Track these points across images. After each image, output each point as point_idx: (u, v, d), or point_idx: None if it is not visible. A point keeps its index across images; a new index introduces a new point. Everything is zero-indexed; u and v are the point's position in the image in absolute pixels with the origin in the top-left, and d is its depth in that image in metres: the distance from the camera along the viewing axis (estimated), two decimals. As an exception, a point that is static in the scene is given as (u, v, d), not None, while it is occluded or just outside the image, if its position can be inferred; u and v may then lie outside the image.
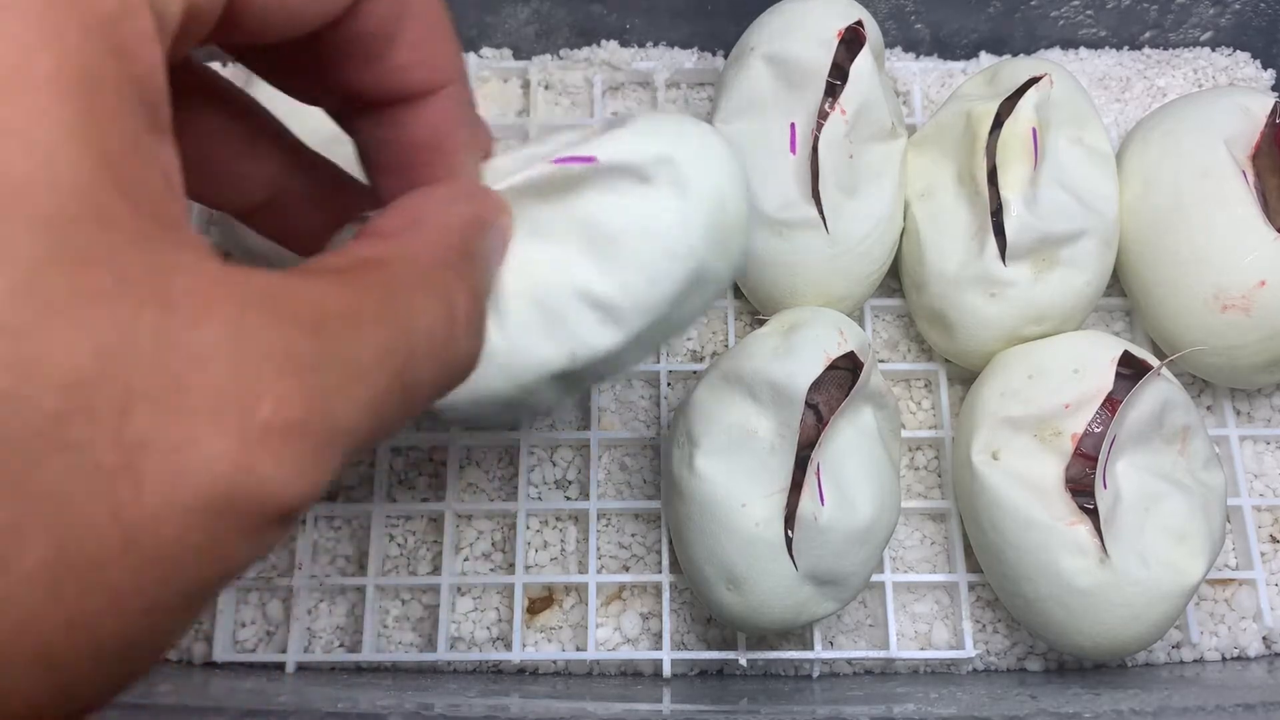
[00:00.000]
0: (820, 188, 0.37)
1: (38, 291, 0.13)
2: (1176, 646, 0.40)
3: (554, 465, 0.41)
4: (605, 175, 0.23)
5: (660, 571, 0.39)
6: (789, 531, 0.33)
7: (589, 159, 0.23)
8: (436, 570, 0.40)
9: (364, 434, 0.17)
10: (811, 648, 0.38)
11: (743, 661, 0.38)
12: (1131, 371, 0.36)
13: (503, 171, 0.24)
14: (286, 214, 0.26)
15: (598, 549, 0.40)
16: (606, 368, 0.24)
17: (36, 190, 0.14)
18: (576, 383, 0.24)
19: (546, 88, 0.47)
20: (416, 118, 0.23)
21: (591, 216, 0.23)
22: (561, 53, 0.47)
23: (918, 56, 0.48)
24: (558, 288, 0.23)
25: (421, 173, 0.24)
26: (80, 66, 0.14)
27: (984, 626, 0.40)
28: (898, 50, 0.48)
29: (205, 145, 0.24)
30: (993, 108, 0.38)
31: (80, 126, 0.14)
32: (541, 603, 0.40)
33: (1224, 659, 0.40)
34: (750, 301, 0.42)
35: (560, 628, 0.40)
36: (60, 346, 0.13)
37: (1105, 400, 0.35)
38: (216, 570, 0.15)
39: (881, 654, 0.38)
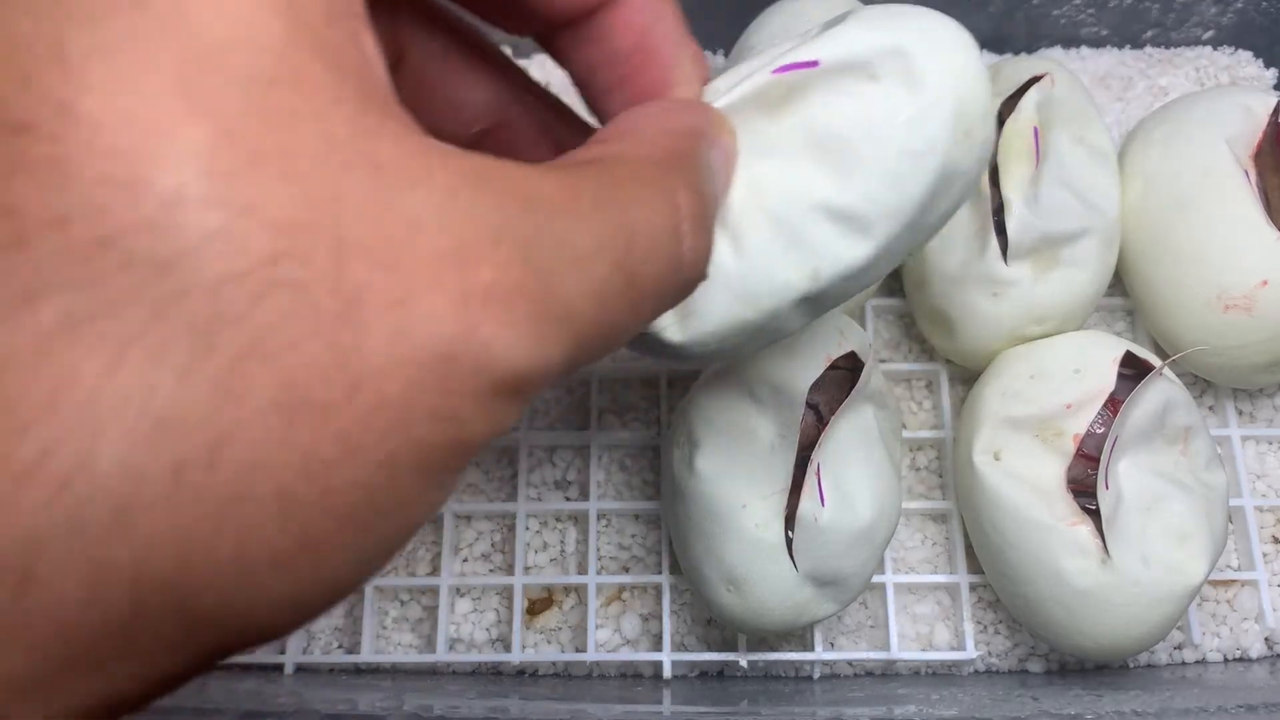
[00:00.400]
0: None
1: (246, 140, 0.13)
2: (1178, 648, 0.40)
3: (553, 466, 0.41)
4: (830, 78, 0.22)
5: (660, 572, 0.39)
6: (789, 532, 0.33)
7: (811, 63, 0.21)
8: (435, 571, 0.40)
9: (590, 321, 0.16)
10: (812, 649, 0.38)
11: (743, 663, 0.38)
12: (1133, 371, 0.36)
13: (720, 91, 0.23)
14: (505, 145, 0.25)
15: (597, 550, 0.40)
16: (853, 284, 0.23)
17: (236, 51, 0.13)
18: (820, 304, 0.23)
19: (548, 86, 0.47)
20: (616, 22, 0.22)
21: (820, 124, 0.21)
22: (561, 52, 0.47)
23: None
24: (794, 204, 0.22)
25: (636, 84, 0.23)
26: None
27: (985, 628, 0.39)
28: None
29: (422, 71, 0.24)
30: (994, 106, 0.38)
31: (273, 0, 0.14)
32: (541, 604, 0.40)
33: (1226, 660, 0.40)
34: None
35: (560, 629, 0.40)
36: (271, 190, 0.13)
37: (1107, 400, 0.35)
38: (449, 433, 0.15)
39: (882, 655, 0.38)
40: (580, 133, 0.25)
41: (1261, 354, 0.38)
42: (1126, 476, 0.35)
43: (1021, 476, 0.35)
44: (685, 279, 0.19)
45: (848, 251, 0.22)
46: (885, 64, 0.21)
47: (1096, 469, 0.34)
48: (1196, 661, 0.40)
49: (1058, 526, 0.34)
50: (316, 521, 0.14)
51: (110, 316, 0.12)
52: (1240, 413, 0.43)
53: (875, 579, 0.39)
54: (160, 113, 0.13)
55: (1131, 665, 0.39)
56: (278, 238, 0.13)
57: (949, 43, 0.21)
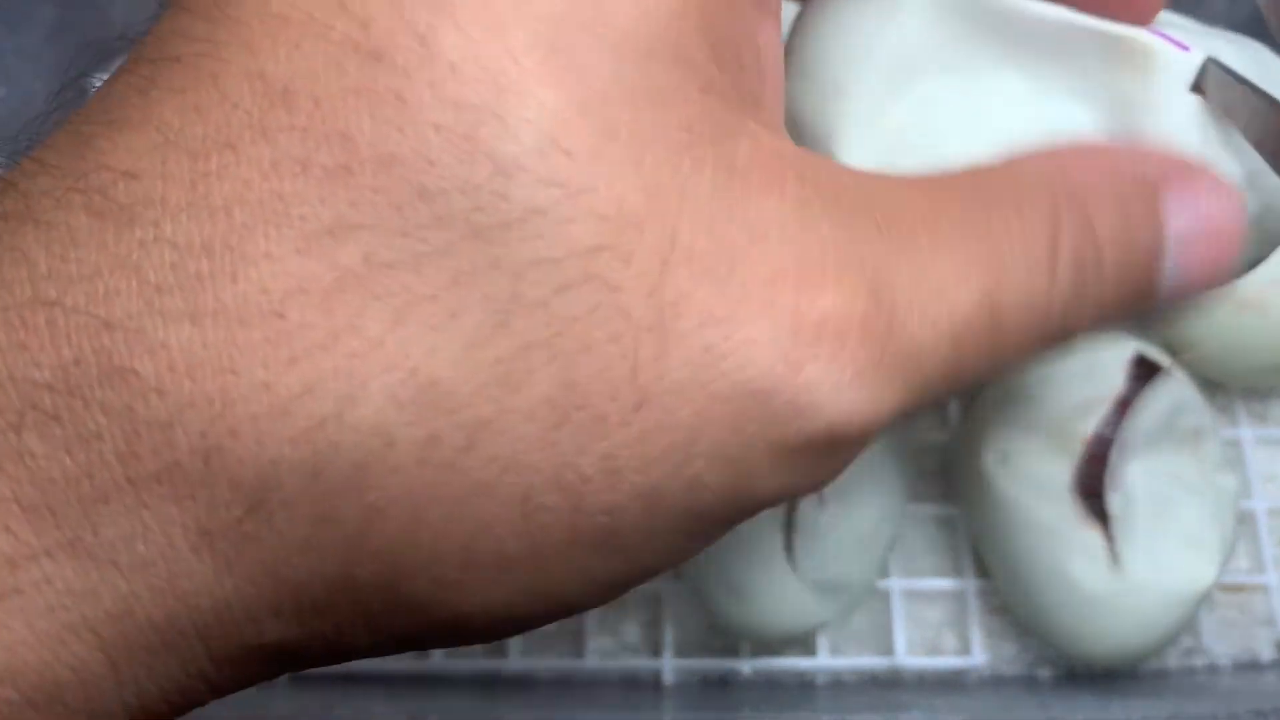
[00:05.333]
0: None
1: (600, 115, 0.12)
2: (1188, 653, 0.39)
3: (552, 468, 0.41)
4: None
5: (660, 578, 0.39)
6: (790, 537, 0.33)
7: None
8: (432, 576, 0.39)
9: (940, 364, 0.14)
10: (815, 655, 0.38)
11: (746, 669, 0.37)
12: (1143, 372, 0.36)
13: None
14: None
15: (597, 554, 0.40)
16: None
17: (622, 14, 0.12)
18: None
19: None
20: None
21: None
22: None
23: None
24: None
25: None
26: None
27: (992, 633, 0.39)
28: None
29: None
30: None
31: None
32: (540, 609, 0.39)
33: (1236, 665, 0.39)
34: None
35: (558, 635, 0.39)
36: (611, 176, 0.12)
37: (1117, 402, 0.35)
38: (729, 482, 0.13)
39: (888, 661, 0.38)
40: None
41: (1274, 354, 0.38)
42: (1136, 479, 0.34)
43: (1030, 479, 0.35)
44: (1048, 334, 0.15)
45: None
46: None
47: (1106, 471, 0.34)
48: (1206, 666, 0.39)
49: (1066, 530, 0.34)
50: (555, 536, 0.13)
51: (411, 270, 0.12)
52: (1252, 415, 0.42)
53: (880, 584, 0.38)
54: (518, 69, 0.12)
55: (1141, 670, 0.39)
56: (603, 229, 0.12)
57: None
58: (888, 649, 0.38)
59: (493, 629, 0.14)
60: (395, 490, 0.12)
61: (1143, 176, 0.16)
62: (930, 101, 0.18)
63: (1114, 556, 0.33)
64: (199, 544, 0.12)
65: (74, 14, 0.45)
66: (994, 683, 0.38)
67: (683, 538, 0.14)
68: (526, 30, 0.12)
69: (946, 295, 0.14)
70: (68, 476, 0.12)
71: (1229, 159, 0.18)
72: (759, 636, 0.35)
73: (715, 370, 0.13)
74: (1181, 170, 0.16)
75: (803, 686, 0.38)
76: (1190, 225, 0.16)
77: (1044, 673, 0.39)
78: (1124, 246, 0.16)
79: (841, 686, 0.38)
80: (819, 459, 0.14)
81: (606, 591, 0.14)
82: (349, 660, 0.14)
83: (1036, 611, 0.35)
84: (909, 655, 0.38)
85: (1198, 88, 0.18)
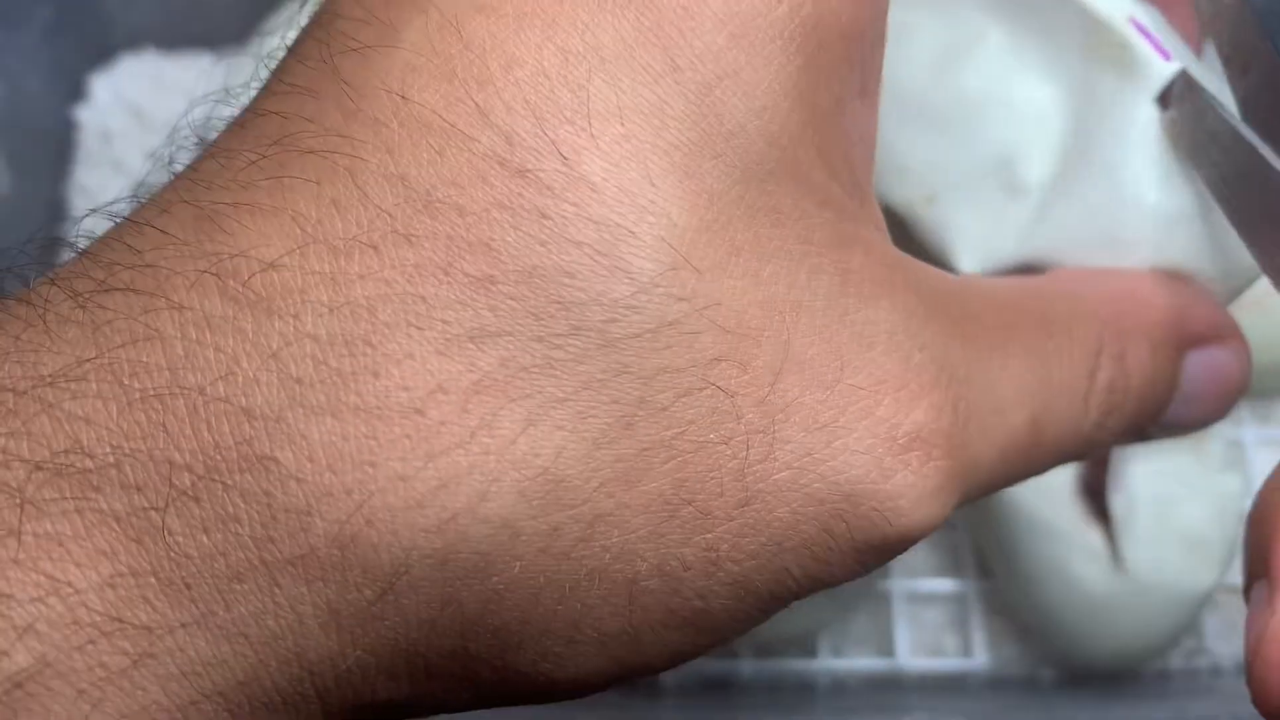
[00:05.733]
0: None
1: (725, 234, 0.13)
2: (1191, 654, 0.39)
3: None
4: None
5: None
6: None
7: None
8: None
9: (986, 475, 0.16)
10: (817, 657, 0.38)
11: (746, 671, 0.37)
12: (1146, 372, 0.35)
13: None
14: None
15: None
16: None
17: (744, 139, 0.13)
18: None
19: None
20: None
21: None
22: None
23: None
24: None
25: None
26: (811, 16, 0.14)
27: (994, 635, 0.39)
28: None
29: None
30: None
31: (799, 81, 0.14)
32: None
33: (1239, 667, 0.39)
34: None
35: (558, 636, 0.39)
36: (734, 291, 0.13)
37: (1119, 402, 0.35)
38: (810, 572, 0.14)
39: (888, 663, 0.38)
40: None
41: (1277, 355, 0.37)
42: (1139, 480, 0.34)
43: (1032, 480, 0.34)
44: (1077, 453, 0.18)
45: None
46: None
47: (1108, 472, 0.34)
48: (1209, 668, 0.39)
49: (1069, 531, 0.33)
50: (652, 616, 0.14)
51: (544, 374, 0.13)
52: (1255, 415, 0.42)
53: (881, 586, 0.38)
54: (654, 192, 0.13)
55: (1143, 672, 0.39)
56: (724, 341, 0.13)
57: None
58: (888, 650, 0.38)
59: (577, 692, 0.15)
60: (515, 578, 0.13)
61: (1175, 326, 0.18)
62: (907, 28, 0.18)
63: (1116, 557, 0.33)
64: (328, 622, 0.13)
65: (73, 13, 0.45)
66: (995, 684, 0.38)
67: (761, 615, 0.15)
68: (663, 158, 0.13)
69: (1005, 416, 0.15)
70: (204, 555, 0.12)
71: (1181, 185, 0.18)
72: (759, 638, 0.35)
73: (814, 474, 0.14)
74: (1209, 329, 0.19)
75: (803, 688, 0.38)
76: (1203, 384, 0.19)
77: (1046, 674, 0.39)
78: (1147, 385, 0.18)
79: (842, 688, 0.38)
80: (882, 557, 0.15)
81: (685, 660, 0.15)
82: (445, 713, 0.15)
83: (1038, 613, 0.35)
84: (910, 657, 0.38)
85: (1164, 99, 0.18)
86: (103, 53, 0.47)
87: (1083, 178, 0.18)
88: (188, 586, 0.12)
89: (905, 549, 0.15)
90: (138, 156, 0.46)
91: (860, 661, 0.38)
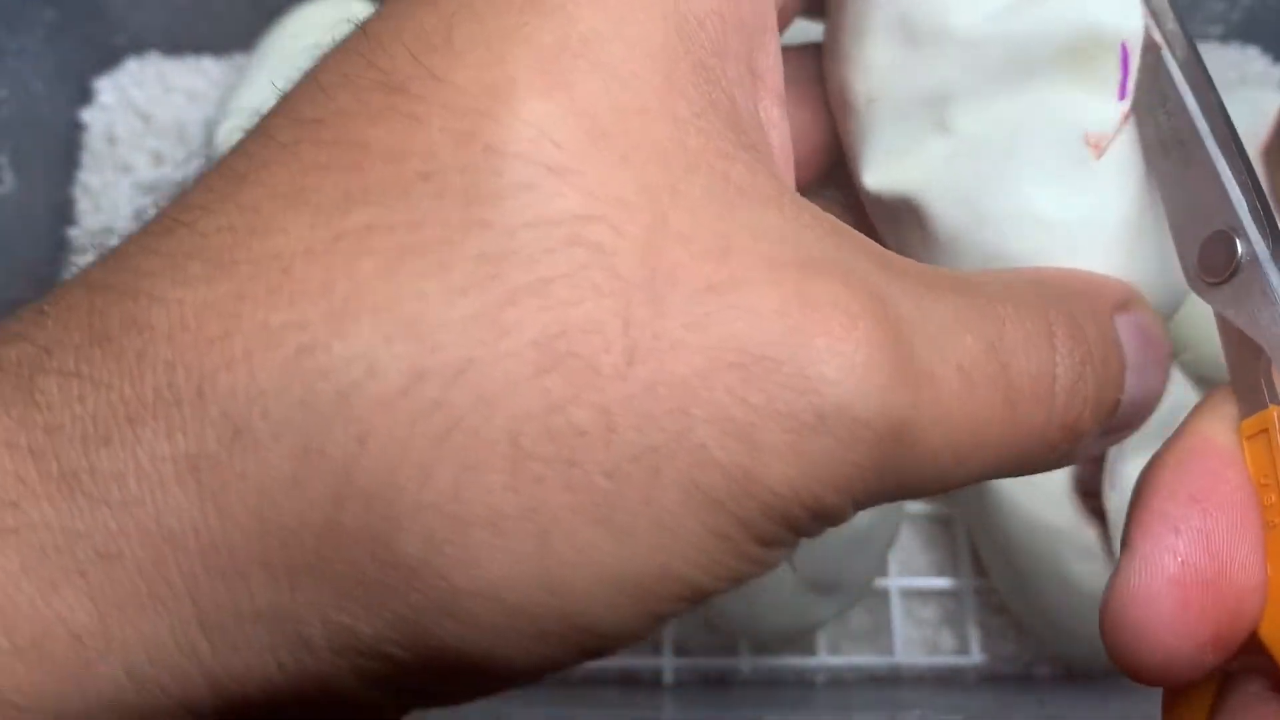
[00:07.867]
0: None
1: (588, 119, 0.14)
2: (1186, 651, 0.39)
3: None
4: None
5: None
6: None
7: None
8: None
9: (955, 397, 0.14)
10: (815, 654, 0.38)
11: (745, 668, 0.37)
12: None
13: None
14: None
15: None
16: None
17: (608, 45, 0.14)
18: None
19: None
20: None
21: None
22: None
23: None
24: None
25: None
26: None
27: (991, 632, 0.39)
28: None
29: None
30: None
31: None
32: (540, 608, 0.39)
33: (1234, 664, 0.39)
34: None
35: (559, 633, 0.39)
36: (599, 163, 0.13)
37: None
38: (735, 457, 0.13)
39: (886, 660, 0.38)
40: None
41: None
42: (1134, 479, 0.34)
43: (1028, 479, 0.34)
44: (1057, 420, 0.15)
45: None
46: None
47: (1103, 471, 0.34)
48: (1205, 665, 0.39)
49: (1065, 530, 0.34)
50: (549, 492, 0.12)
51: (407, 230, 0.13)
52: (1249, 413, 0.42)
53: (879, 583, 0.38)
54: (513, 85, 0.13)
55: (1139, 670, 0.39)
56: (591, 203, 0.13)
57: None
58: (886, 647, 0.38)
59: (493, 613, 0.13)
60: (379, 422, 0.12)
61: (1098, 296, 0.17)
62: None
63: (1112, 555, 0.33)
64: (185, 475, 0.13)
65: (74, 14, 0.45)
66: (992, 681, 0.38)
67: (694, 522, 0.13)
68: (523, 60, 0.14)
69: (951, 334, 0.14)
70: (74, 420, 0.13)
71: (1095, 204, 0.18)
72: (758, 635, 0.35)
73: (715, 333, 0.13)
74: (1124, 294, 0.17)
75: (802, 685, 0.38)
76: (1138, 349, 0.17)
77: (1041, 671, 0.39)
78: (1100, 349, 0.16)
79: (840, 685, 0.38)
80: (835, 451, 0.13)
81: (625, 593, 0.13)
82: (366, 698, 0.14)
83: (1034, 610, 0.35)
84: (907, 654, 0.38)
85: (1094, 144, 0.17)
86: (107, 55, 0.47)
87: (993, 159, 0.18)
88: (56, 456, 0.13)
89: (877, 442, 0.13)
90: (142, 158, 0.46)
91: (858, 658, 0.38)
